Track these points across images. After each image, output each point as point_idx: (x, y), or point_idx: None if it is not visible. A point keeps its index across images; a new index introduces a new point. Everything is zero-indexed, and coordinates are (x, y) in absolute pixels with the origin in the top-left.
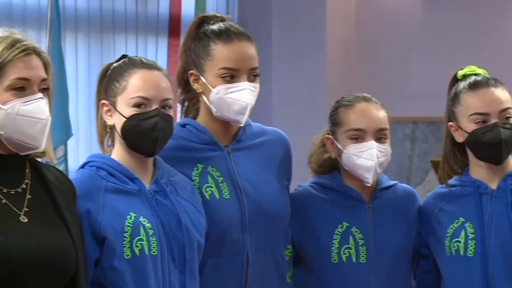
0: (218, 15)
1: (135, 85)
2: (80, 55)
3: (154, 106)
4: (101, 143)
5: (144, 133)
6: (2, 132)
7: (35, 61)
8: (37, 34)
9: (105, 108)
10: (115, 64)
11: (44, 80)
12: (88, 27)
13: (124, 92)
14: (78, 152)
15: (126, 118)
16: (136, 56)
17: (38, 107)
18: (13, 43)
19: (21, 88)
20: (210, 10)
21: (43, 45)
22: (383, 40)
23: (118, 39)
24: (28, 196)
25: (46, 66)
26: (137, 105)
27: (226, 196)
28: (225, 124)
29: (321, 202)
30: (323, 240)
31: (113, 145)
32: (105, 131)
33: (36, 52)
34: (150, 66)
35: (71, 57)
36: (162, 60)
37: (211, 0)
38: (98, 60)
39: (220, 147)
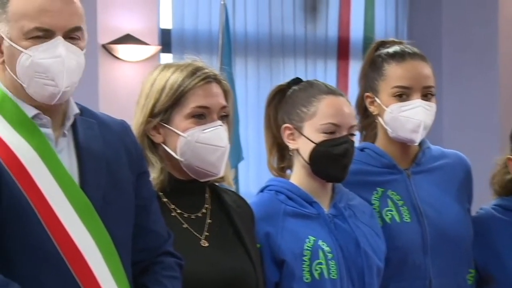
0: (396, 40)
1: (325, 111)
2: (249, 79)
3: (343, 133)
4: (271, 166)
5: (334, 159)
6: (182, 159)
7: (215, 88)
8: (208, 59)
9: (288, 132)
10: (295, 88)
11: (223, 107)
12: (258, 51)
13: (313, 118)
14: (249, 175)
15: (315, 143)
16: (317, 81)
17: (218, 134)
18: (194, 71)
19: (200, 116)
20: (379, 32)
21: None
22: None
23: (287, 62)
24: (208, 221)
25: (226, 93)
26: (328, 132)
27: (407, 219)
28: (403, 146)
29: (505, 224)
30: (509, 264)
31: (289, 168)
32: (272, 155)
33: (217, 79)
34: (335, 92)
35: (241, 81)
36: (331, 83)
37: (380, 22)
38: (268, 83)
39: (399, 170)
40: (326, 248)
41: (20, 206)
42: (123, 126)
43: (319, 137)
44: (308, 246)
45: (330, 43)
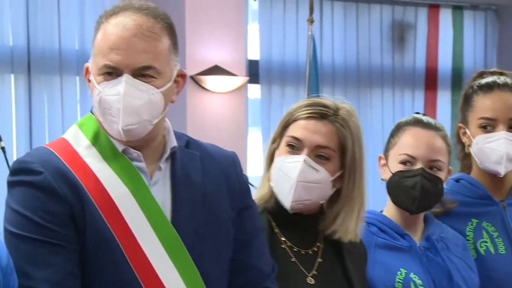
0: (498, 70)
1: (404, 142)
2: None
3: (419, 165)
4: None
5: (405, 191)
6: (272, 184)
7: (318, 126)
8: (295, 90)
9: (381, 162)
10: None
11: (319, 146)
12: (345, 81)
13: (394, 147)
14: None
15: (392, 173)
16: (420, 114)
17: (295, 167)
18: (308, 105)
19: (293, 147)
20: (468, 63)
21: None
22: None
23: (374, 92)
24: (319, 260)
25: (333, 134)
26: (403, 162)
27: (502, 251)
28: (496, 177)
29: None
30: None
31: None
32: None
33: (327, 118)
34: (427, 125)
35: None
36: None
37: (469, 52)
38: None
39: (495, 202)
40: (418, 281)
41: (106, 242)
42: (231, 159)
43: (397, 167)
44: (399, 279)
45: (418, 73)
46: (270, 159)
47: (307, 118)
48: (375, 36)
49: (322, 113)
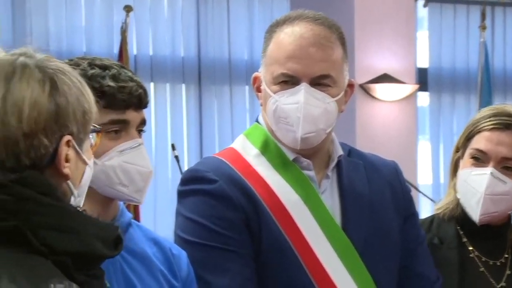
0: None
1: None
2: None
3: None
4: None
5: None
6: (459, 197)
7: (502, 137)
8: (466, 98)
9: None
10: None
11: (506, 158)
12: None
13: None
14: None
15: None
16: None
17: (482, 180)
18: (492, 115)
19: (478, 159)
20: None
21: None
22: None
23: None
24: (508, 272)
25: None
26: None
27: None
28: None
29: None
30: None
31: None
32: None
33: (511, 128)
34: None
35: None
36: None
37: None
38: None
39: None
40: None
41: (280, 247)
42: (393, 168)
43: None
44: None
45: None
46: (454, 168)
47: (492, 129)
48: None
49: (507, 123)
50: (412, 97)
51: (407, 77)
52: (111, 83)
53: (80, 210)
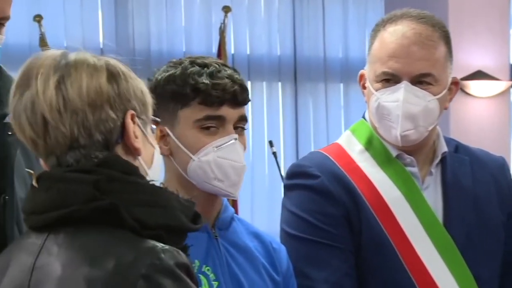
0: None
1: None
2: None
3: None
4: None
5: None
6: None
7: None
8: None
9: None
10: None
11: None
12: None
13: None
14: None
15: None
16: None
17: None
18: None
19: None
20: None
21: None
22: None
23: None
24: None
25: None
26: None
27: None
28: None
29: None
30: None
31: None
32: None
33: None
34: None
35: None
36: None
37: None
38: None
39: None
40: None
41: (380, 242)
42: (500, 164)
43: None
44: None
45: None
46: None
47: None
48: None
49: None
50: (506, 93)
51: (501, 74)
52: (206, 80)
53: (162, 187)
